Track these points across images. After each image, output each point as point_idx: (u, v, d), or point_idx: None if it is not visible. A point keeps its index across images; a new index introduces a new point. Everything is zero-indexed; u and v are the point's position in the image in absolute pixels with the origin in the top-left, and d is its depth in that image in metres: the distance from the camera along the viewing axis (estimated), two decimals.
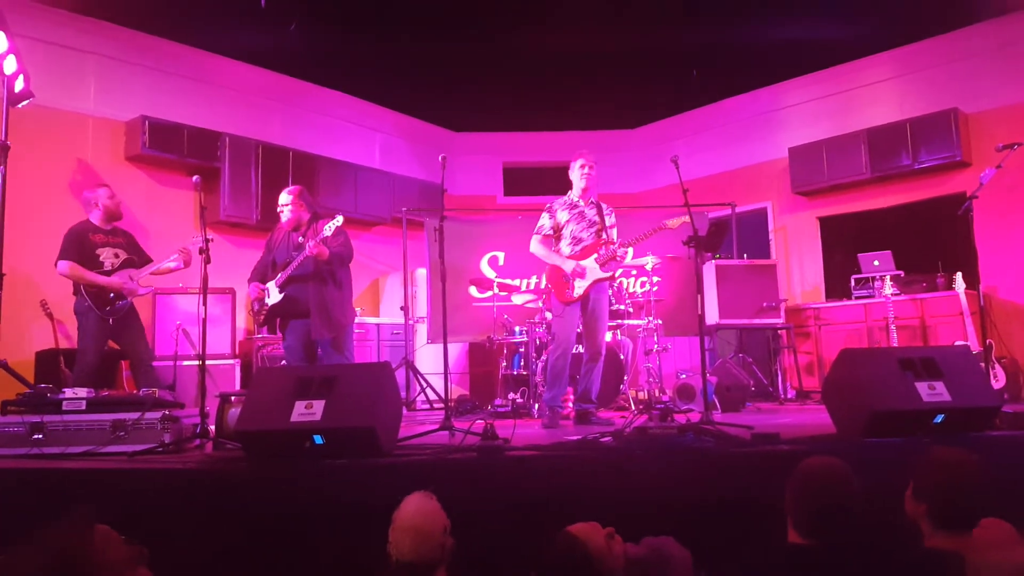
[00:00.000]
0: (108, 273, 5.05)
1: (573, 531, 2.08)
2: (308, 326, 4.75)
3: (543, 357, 5.93)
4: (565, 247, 5.05)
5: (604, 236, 5.00)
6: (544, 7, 6.78)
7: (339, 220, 4.70)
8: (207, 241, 4.08)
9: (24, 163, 6.23)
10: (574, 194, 5.12)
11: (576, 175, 5.09)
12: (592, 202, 5.10)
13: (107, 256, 5.13)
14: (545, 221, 5.14)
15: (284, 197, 4.95)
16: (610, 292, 6.39)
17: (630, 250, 4.99)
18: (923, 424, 3.19)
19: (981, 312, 4.98)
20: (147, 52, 7.13)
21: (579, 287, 4.91)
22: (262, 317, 4.86)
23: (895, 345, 6.41)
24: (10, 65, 4.38)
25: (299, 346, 4.86)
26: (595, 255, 4.91)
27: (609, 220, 5.09)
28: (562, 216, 5.09)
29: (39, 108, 6.01)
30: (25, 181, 6.22)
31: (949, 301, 6.75)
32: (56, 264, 5.01)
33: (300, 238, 4.83)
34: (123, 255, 5.19)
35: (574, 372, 5.14)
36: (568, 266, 4.94)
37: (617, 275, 7.36)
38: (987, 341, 5.58)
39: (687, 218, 4.70)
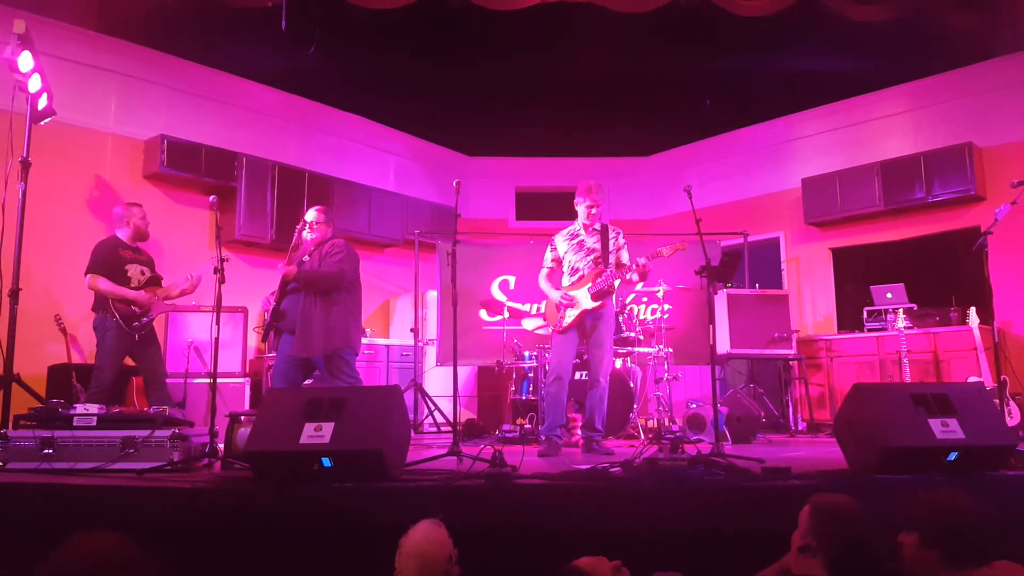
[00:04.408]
0: (136, 290, 5.10)
1: (579, 565, 2.06)
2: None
3: None
4: (565, 279, 5.11)
5: (609, 262, 4.96)
6: (560, 35, 6.84)
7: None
8: (222, 260, 4.10)
9: (43, 179, 6.30)
10: (578, 222, 5.15)
11: (581, 209, 5.09)
12: (596, 229, 5.10)
13: (135, 273, 5.17)
14: (547, 255, 5.24)
15: (312, 214, 4.95)
16: (620, 320, 6.39)
17: (637, 277, 4.98)
18: (936, 461, 3.15)
19: (995, 348, 4.93)
20: (167, 72, 7.23)
21: (569, 316, 4.94)
22: (263, 329, 4.86)
23: (907, 379, 6.35)
24: (35, 84, 4.43)
25: (283, 364, 4.75)
26: (588, 285, 4.94)
27: (615, 243, 5.07)
28: (562, 247, 5.16)
29: (60, 125, 6.08)
30: (43, 197, 6.28)
31: (963, 336, 6.69)
32: (86, 277, 5.04)
33: (306, 256, 4.84)
34: (148, 272, 5.26)
35: (583, 399, 5.13)
36: (554, 295, 5.03)
37: (628, 302, 7.41)
38: (1001, 377, 5.53)
39: (682, 246, 4.88)
